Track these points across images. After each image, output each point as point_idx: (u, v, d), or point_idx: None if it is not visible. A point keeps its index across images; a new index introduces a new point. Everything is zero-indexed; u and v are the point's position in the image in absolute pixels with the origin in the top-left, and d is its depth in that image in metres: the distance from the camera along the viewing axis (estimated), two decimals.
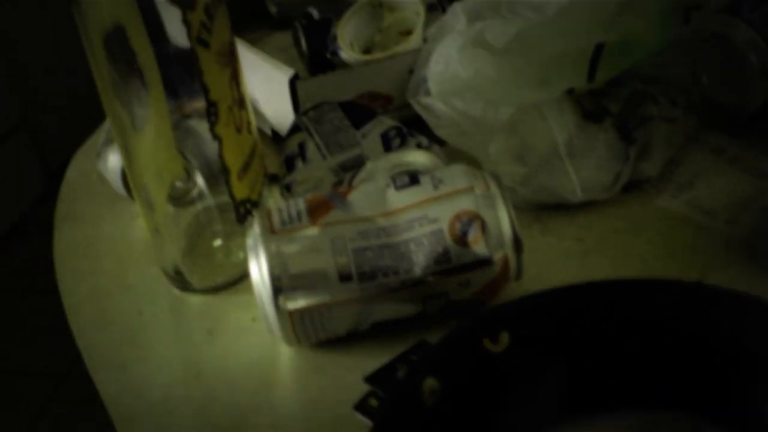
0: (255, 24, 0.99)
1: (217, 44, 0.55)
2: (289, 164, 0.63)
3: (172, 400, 0.54)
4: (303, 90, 0.70)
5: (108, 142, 0.76)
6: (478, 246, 0.49)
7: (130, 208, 0.71)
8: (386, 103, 0.75)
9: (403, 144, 0.63)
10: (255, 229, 0.51)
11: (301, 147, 0.63)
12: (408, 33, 0.81)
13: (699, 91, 0.74)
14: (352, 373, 0.51)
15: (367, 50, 0.81)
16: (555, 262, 0.59)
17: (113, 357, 0.58)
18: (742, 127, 0.71)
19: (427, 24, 0.78)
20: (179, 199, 0.64)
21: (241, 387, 0.53)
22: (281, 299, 0.48)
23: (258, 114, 0.74)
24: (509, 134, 0.66)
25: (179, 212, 0.64)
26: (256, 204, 0.59)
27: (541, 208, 0.64)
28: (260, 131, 0.66)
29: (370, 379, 0.50)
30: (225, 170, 0.55)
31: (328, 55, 0.81)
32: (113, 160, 0.73)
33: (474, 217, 0.49)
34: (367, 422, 0.47)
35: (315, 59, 0.82)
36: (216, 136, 0.54)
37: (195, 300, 0.62)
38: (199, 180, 0.62)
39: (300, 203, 0.51)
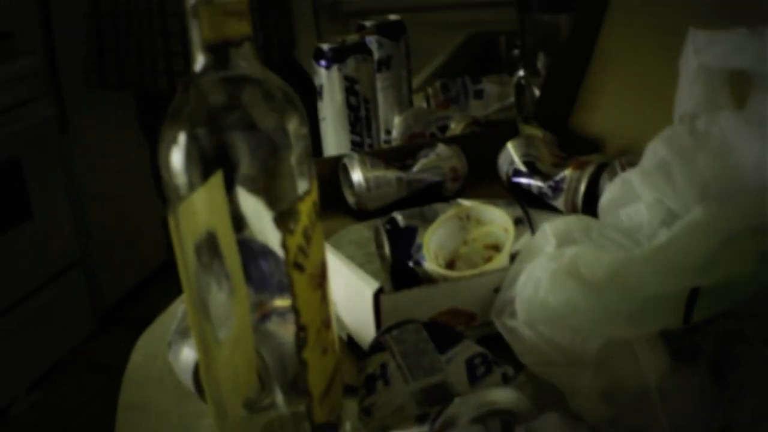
0: (331, 211, 1.00)
1: (312, 266, 0.55)
2: (370, 385, 0.61)
3: None
4: (386, 304, 0.70)
5: (181, 333, 0.76)
6: None
7: (199, 404, 0.70)
8: (469, 320, 0.74)
9: (488, 373, 0.62)
10: None
11: (383, 368, 0.62)
12: (494, 247, 0.81)
13: None
14: None
15: (451, 262, 0.80)
16: None
17: None
18: None
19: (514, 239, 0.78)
20: (253, 404, 0.63)
21: None
22: None
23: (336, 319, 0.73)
24: (598, 371, 0.64)
25: (252, 418, 0.63)
26: (335, 428, 0.58)
27: None
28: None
29: None
30: (308, 394, 0.54)
31: (411, 264, 0.80)
32: (186, 355, 0.73)
33: None
34: None
35: (397, 266, 0.82)
36: (303, 361, 0.53)
37: None
38: (275, 389, 0.61)
39: None
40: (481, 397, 0.55)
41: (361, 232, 0.98)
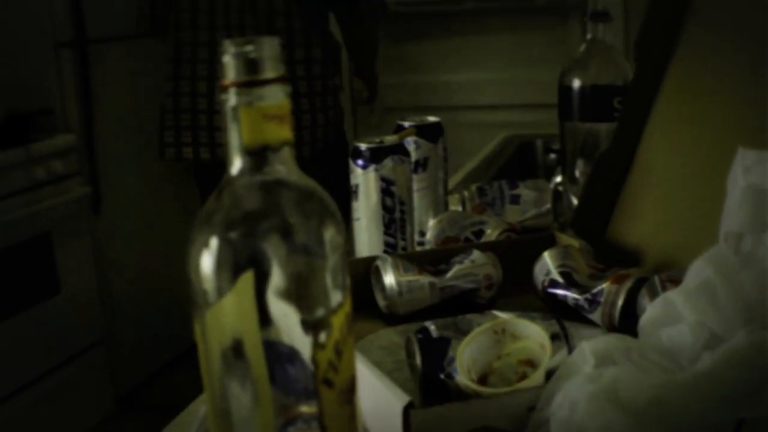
0: (361, 313, 0.98)
1: (342, 382, 0.52)
2: None
3: None
4: (416, 419, 0.67)
5: None
6: None
7: None
8: None
9: None
10: None
11: None
12: (529, 362, 0.78)
13: None
14: None
15: (483, 376, 0.77)
16: None
17: None
18: None
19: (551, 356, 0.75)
20: None
21: None
22: None
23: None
24: None
25: None
26: None
27: None
28: None
29: None
30: None
31: (443, 377, 0.78)
32: None
33: None
34: None
35: (428, 379, 0.79)
36: None
37: None
38: None
39: None
40: None
41: (390, 337, 0.95)
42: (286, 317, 0.53)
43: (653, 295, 0.91)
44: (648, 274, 0.97)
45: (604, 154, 1.13)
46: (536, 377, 0.74)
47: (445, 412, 0.70)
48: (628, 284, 0.95)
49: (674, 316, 0.78)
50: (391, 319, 1.00)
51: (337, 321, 0.53)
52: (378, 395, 0.72)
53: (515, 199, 1.30)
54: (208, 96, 2.42)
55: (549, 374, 0.74)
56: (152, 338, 3.19)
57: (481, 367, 0.78)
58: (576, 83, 1.19)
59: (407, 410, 0.67)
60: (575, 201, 1.24)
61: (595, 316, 0.96)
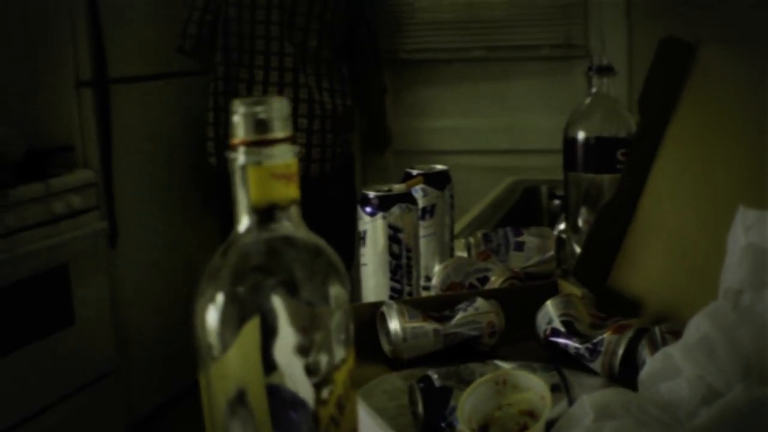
0: (365, 356, 0.97)
1: None
2: None
3: None
4: None
5: None
6: None
7: None
8: None
9: None
10: None
11: None
12: (530, 413, 0.77)
13: None
14: None
15: (484, 426, 0.76)
16: None
17: None
18: None
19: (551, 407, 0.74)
20: None
21: None
22: None
23: None
24: None
25: None
26: None
27: None
28: None
29: None
30: None
31: (444, 425, 0.77)
32: None
33: None
34: None
35: (430, 427, 0.78)
36: None
37: None
38: None
39: None
40: None
41: (394, 382, 0.94)
42: (290, 366, 0.52)
43: (653, 345, 0.90)
44: (648, 325, 0.96)
45: (607, 204, 1.12)
46: (537, 429, 0.73)
47: None
48: (628, 334, 0.94)
49: (673, 371, 0.77)
50: (395, 363, 0.99)
51: (340, 377, 0.52)
52: None
53: (519, 246, 1.29)
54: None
55: (549, 425, 0.73)
56: (163, 369, 3.18)
57: (483, 417, 0.77)
58: (581, 135, 1.19)
59: None
60: (578, 249, 1.23)
61: (596, 365, 0.95)
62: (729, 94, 1.08)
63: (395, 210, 1.08)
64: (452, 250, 1.29)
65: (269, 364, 0.51)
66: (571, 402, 0.80)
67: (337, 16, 2.73)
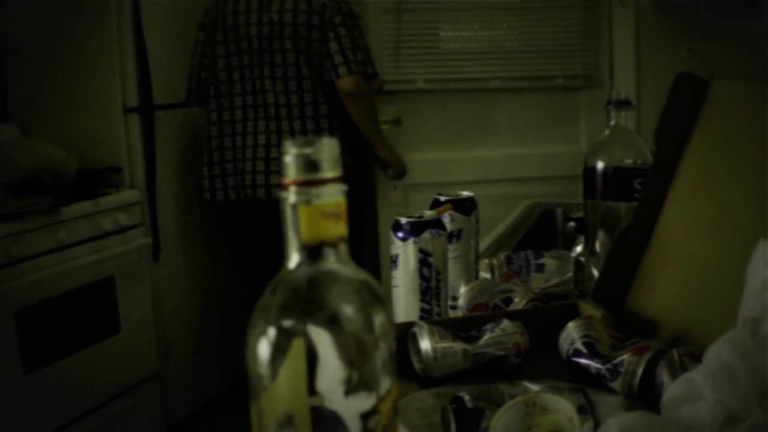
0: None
1: None
2: None
3: None
4: None
5: None
6: None
7: None
8: None
9: None
10: None
11: None
12: None
13: None
14: None
15: None
16: None
17: None
18: None
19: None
20: None
21: None
22: None
23: None
24: None
25: None
26: None
27: None
28: None
29: None
30: None
31: None
32: None
33: None
34: None
35: None
36: None
37: None
38: None
39: None
40: None
41: (425, 399, 0.92)
42: (337, 397, 0.50)
43: (671, 367, 0.88)
44: (665, 347, 0.93)
45: (624, 231, 1.10)
46: None
47: None
48: (647, 356, 0.92)
49: (695, 395, 0.75)
50: (425, 381, 0.97)
51: (386, 407, 0.50)
52: None
53: (540, 268, 1.27)
54: (243, 148, 2.77)
55: None
56: (202, 374, 3.17)
57: None
58: (600, 165, 1.17)
59: None
60: (595, 271, 1.21)
61: (616, 384, 0.92)
62: (741, 127, 1.05)
63: (426, 235, 1.06)
64: (477, 271, 1.27)
65: (318, 394, 0.49)
66: (596, 423, 0.77)
67: (311, 63, 2.71)
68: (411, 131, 3.24)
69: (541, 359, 1.01)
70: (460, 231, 1.18)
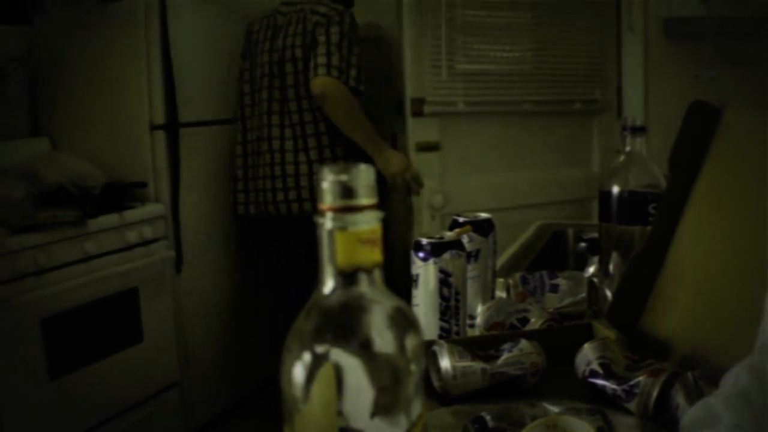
0: None
1: None
2: None
3: None
4: None
5: None
6: None
7: None
8: None
9: None
10: None
11: None
12: None
13: None
14: None
15: None
16: None
17: None
18: None
19: None
20: None
21: None
22: None
23: None
24: None
25: None
26: None
27: None
28: None
29: None
30: None
31: None
32: None
33: None
34: None
35: None
36: None
37: None
38: None
39: None
40: None
41: (444, 417, 0.90)
42: (370, 422, 0.48)
43: (686, 389, 0.86)
44: (680, 369, 0.92)
45: (638, 254, 1.08)
46: None
47: None
48: (662, 378, 0.90)
49: (713, 419, 0.73)
50: (444, 399, 0.95)
51: (417, 431, 0.49)
52: None
53: (554, 288, 1.25)
54: (255, 167, 2.86)
55: None
56: (220, 382, 3.15)
57: None
58: (615, 189, 1.15)
59: None
60: (608, 292, 1.19)
61: (632, 405, 0.90)
62: (753, 154, 1.04)
63: (446, 256, 1.04)
64: (493, 290, 1.25)
65: (351, 418, 0.47)
66: None
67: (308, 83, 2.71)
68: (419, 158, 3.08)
69: (557, 378, 0.99)
70: (478, 251, 1.17)
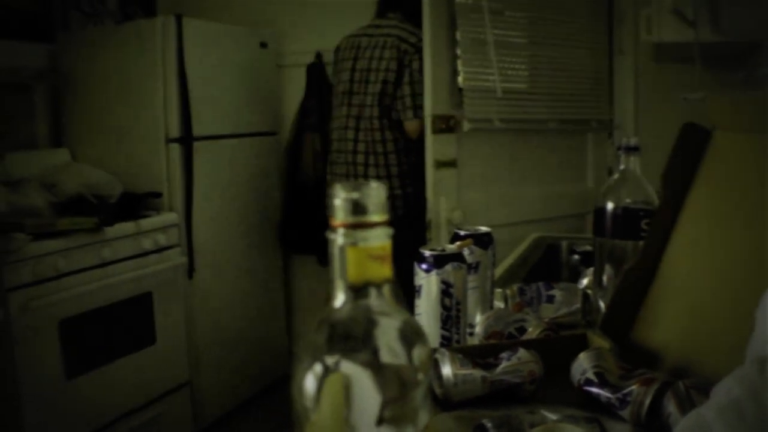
0: None
1: None
2: None
3: None
4: None
5: None
6: None
7: None
8: None
9: None
10: None
11: None
12: None
13: None
14: None
15: None
16: None
17: None
18: None
19: None
20: None
21: None
22: None
23: None
24: None
25: None
26: None
27: None
28: None
29: None
30: None
31: None
32: None
33: None
34: None
35: None
36: None
37: None
38: None
39: None
40: None
41: (445, 422, 0.89)
42: (374, 427, 0.47)
43: (678, 398, 0.85)
44: (671, 378, 0.90)
45: (631, 267, 1.07)
46: None
47: None
48: (654, 387, 0.89)
49: (705, 429, 0.72)
50: (445, 405, 0.94)
51: None
52: None
53: (550, 299, 1.24)
54: (341, 176, 2.87)
55: None
56: (229, 383, 3.14)
57: None
58: (609, 205, 1.14)
59: None
60: (602, 303, 1.18)
61: (625, 413, 0.89)
62: (740, 173, 1.03)
63: (448, 267, 1.03)
64: (492, 300, 1.24)
65: (359, 429, 0.46)
66: None
67: (382, 103, 2.76)
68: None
69: (553, 386, 0.98)
70: (478, 263, 1.16)
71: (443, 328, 1.04)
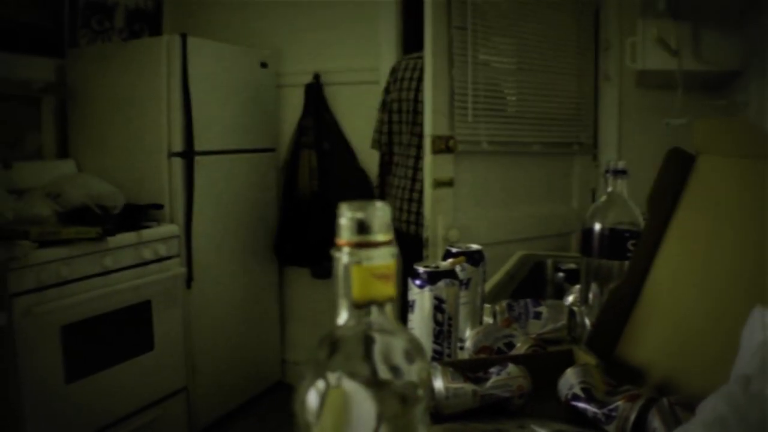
0: None
1: None
2: None
3: None
4: None
5: None
6: None
7: None
8: None
9: None
10: None
11: None
12: None
13: None
14: None
15: None
16: None
17: None
18: None
19: None
20: None
21: None
22: None
23: None
24: None
25: None
26: None
27: None
28: None
29: None
30: None
31: None
32: None
33: None
34: None
35: None
36: None
37: None
38: None
39: None
40: None
41: None
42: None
43: (662, 413, 0.84)
44: (655, 395, 0.89)
45: (617, 286, 1.06)
46: None
47: None
48: (639, 402, 0.88)
49: None
50: (436, 417, 0.93)
51: None
52: None
53: (537, 315, 1.23)
54: (394, 187, 2.85)
55: None
56: (224, 389, 3.11)
57: None
58: (597, 226, 1.13)
59: None
60: (587, 320, 1.17)
61: (611, 428, 0.88)
62: (723, 196, 1.03)
63: (441, 284, 1.02)
64: (482, 316, 1.23)
65: None
66: None
67: (416, 122, 2.77)
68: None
69: (540, 400, 0.97)
70: (469, 280, 1.15)
71: (435, 342, 1.03)
